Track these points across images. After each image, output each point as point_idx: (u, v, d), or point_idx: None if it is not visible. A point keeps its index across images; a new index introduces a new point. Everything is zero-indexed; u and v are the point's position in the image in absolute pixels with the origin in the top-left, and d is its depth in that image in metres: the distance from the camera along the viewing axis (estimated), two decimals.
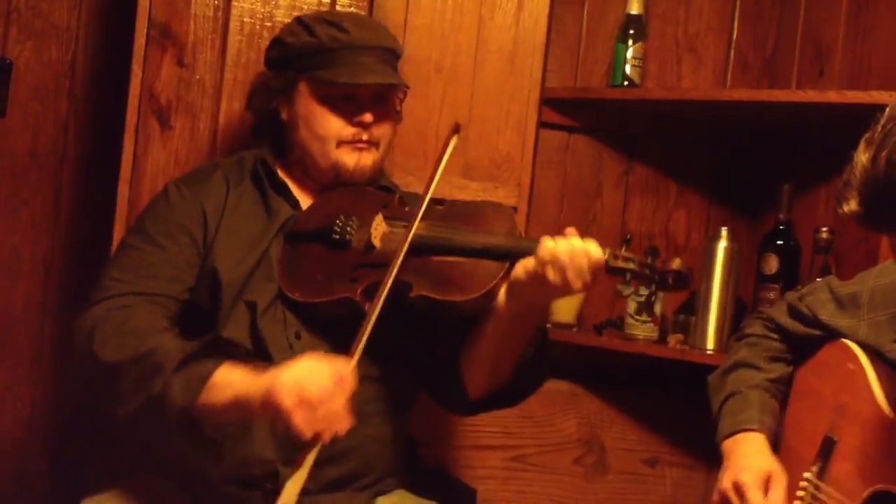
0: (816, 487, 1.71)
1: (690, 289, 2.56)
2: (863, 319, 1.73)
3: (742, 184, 2.67)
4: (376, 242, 1.78)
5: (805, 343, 1.83)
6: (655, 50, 2.63)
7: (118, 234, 2.08)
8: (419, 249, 1.73)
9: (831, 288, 1.81)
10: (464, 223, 1.78)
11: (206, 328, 1.76)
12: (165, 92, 2.14)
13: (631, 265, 1.67)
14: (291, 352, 1.74)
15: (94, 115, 2.48)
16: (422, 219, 1.76)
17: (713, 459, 2.54)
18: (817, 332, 1.80)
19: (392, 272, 1.68)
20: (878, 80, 2.31)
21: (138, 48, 2.12)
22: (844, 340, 1.75)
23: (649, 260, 1.69)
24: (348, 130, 1.86)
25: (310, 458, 1.56)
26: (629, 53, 2.52)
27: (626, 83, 2.52)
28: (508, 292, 1.71)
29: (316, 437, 1.55)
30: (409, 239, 1.72)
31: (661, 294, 2.39)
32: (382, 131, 1.89)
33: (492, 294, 1.70)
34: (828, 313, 1.78)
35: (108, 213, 2.14)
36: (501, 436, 2.49)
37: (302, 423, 1.53)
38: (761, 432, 1.77)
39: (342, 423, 1.56)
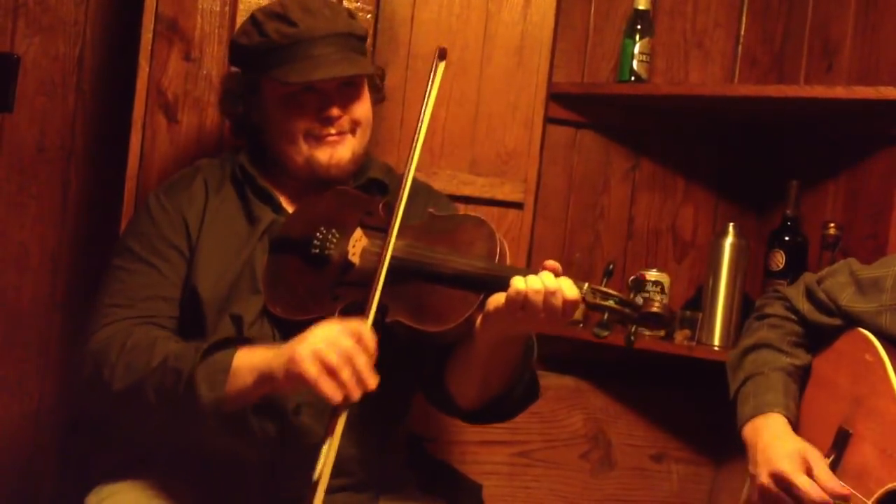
0: None
1: (691, 284, 2.59)
2: (885, 305, 1.71)
3: (749, 179, 2.66)
4: (355, 259, 1.73)
5: (821, 331, 1.81)
6: (663, 45, 2.62)
7: (124, 227, 2.08)
8: (396, 273, 1.68)
9: (852, 270, 1.78)
10: (444, 242, 1.72)
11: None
12: (172, 87, 2.14)
13: (610, 303, 1.59)
14: None
15: (101, 110, 2.48)
16: (401, 236, 1.70)
17: (720, 455, 2.56)
18: (836, 322, 1.78)
19: (373, 302, 1.63)
20: (886, 76, 2.30)
21: (145, 43, 2.12)
22: (863, 331, 1.74)
23: (632, 295, 1.59)
24: (315, 126, 1.79)
25: (341, 422, 1.56)
26: (636, 49, 2.51)
27: (633, 78, 2.52)
28: (483, 322, 1.66)
29: (346, 400, 1.54)
30: (384, 268, 1.66)
31: (663, 288, 2.38)
32: (355, 116, 1.82)
33: (466, 323, 1.66)
34: (847, 297, 1.76)
35: (115, 208, 2.14)
36: (507, 431, 2.49)
37: (329, 389, 1.53)
38: (785, 416, 1.73)
39: (369, 380, 1.54)
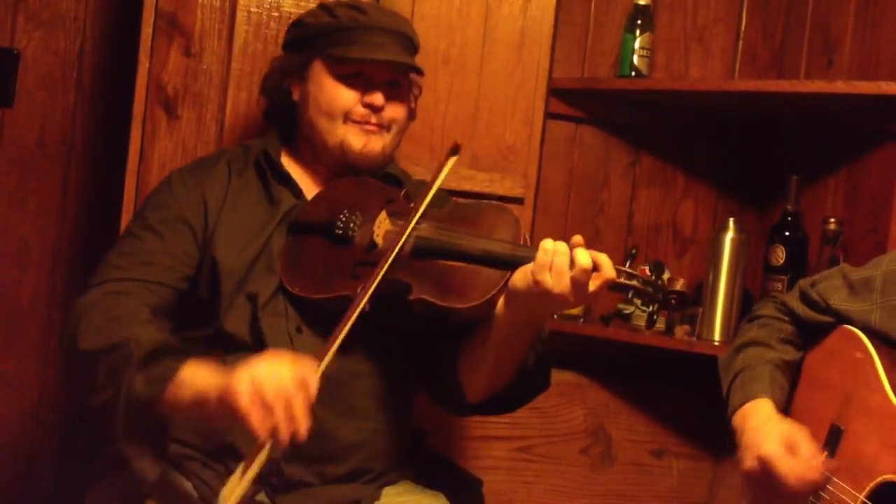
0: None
1: (691, 279, 2.59)
2: (875, 304, 1.72)
3: (750, 175, 2.66)
4: (379, 240, 1.76)
5: (814, 329, 1.82)
6: (663, 40, 2.62)
7: (125, 223, 2.08)
8: (421, 251, 1.71)
9: (844, 274, 1.80)
10: (467, 226, 1.75)
11: (209, 320, 1.76)
12: (172, 82, 2.14)
13: (634, 282, 1.63)
14: (291, 346, 1.73)
15: (101, 105, 2.49)
16: (425, 219, 1.74)
17: (720, 450, 2.56)
18: (828, 319, 1.80)
19: (380, 271, 1.65)
20: (886, 71, 2.30)
21: (145, 38, 2.12)
22: (851, 328, 1.75)
23: (653, 277, 1.64)
24: (358, 109, 1.84)
25: (259, 459, 1.49)
26: (637, 44, 2.51)
27: (633, 74, 2.52)
28: (507, 301, 1.67)
29: (274, 439, 1.48)
30: (401, 241, 1.69)
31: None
32: (394, 115, 1.87)
33: (491, 302, 1.67)
34: (839, 299, 1.77)
35: (115, 203, 2.14)
36: (508, 426, 2.49)
37: (257, 423, 1.47)
38: (769, 399, 1.75)
39: (301, 425, 1.48)
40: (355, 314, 1.62)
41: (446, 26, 2.31)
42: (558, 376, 2.51)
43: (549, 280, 1.58)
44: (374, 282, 1.65)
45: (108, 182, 2.29)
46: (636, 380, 2.59)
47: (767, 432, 1.69)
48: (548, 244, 1.60)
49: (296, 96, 1.90)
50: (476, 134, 2.32)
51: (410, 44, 1.91)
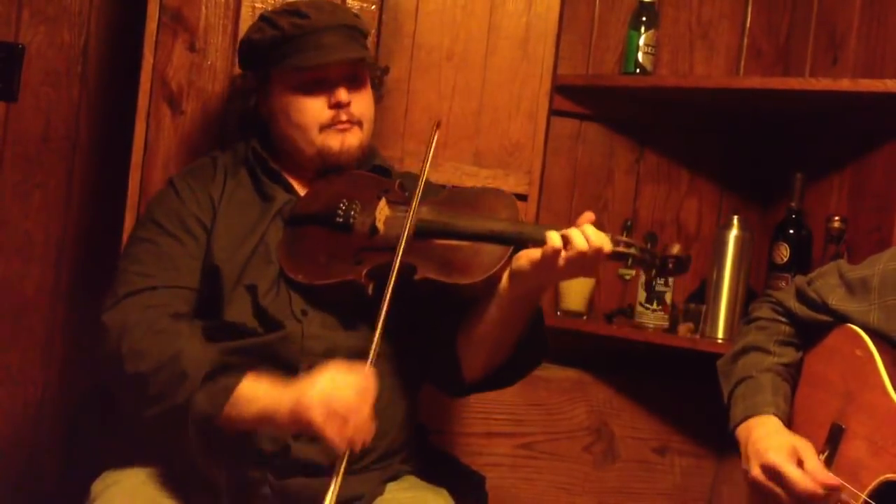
0: None
1: (695, 277, 2.59)
2: (873, 304, 1.73)
3: (754, 172, 2.66)
4: (380, 226, 1.80)
5: (813, 328, 1.83)
6: (668, 37, 2.62)
7: (129, 218, 2.09)
8: (423, 233, 1.76)
9: (841, 272, 1.80)
10: (467, 208, 1.80)
11: (211, 313, 1.78)
12: (177, 77, 2.15)
13: (632, 250, 1.69)
14: (301, 326, 1.76)
15: (106, 100, 2.49)
16: (425, 202, 1.79)
17: (722, 448, 2.56)
18: (826, 318, 1.80)
19: (398, 255, 1.70)
20: (892, 69, 2.30)
21: (150, 33, 2.12)
22: (852, 326, 1.75)
23: (648, 245, 1.71)
24: (326, 114, 1.87)
25: (341, 470, 1.59)
26: (641, 41, 2.51)
27: (638, 70, 2.51)
28: (510, 277, 1.72)
29: (350, 448, 1.59)
30: (409, 219, 1.73)
31: (667, 281, 2.41)
32: (361, 108, 1.90)
33: (495, 278, 1.72)
34: (837, 298, 1.78)
35: (119, 198, 2.15)
36: (511, 423, 2.49)
37: (335, 436, 1.58)
38: (776, 416, 1.76)
39: (369, 431, 1.61)
40: (388, 298, 1.66)
41: (450, 22, 2.30)
42: (561, 373, 2.53)
43: (558, 262, 1.65)
44: (394, 269, 1.69)
45: (113, 176, 2.29)
46: (639, 377, 2.59)
47: (772, 442, 1.69)
48: (554, 234, 1.65)
49: (263, 112, 1.92)
50: (480, 130, 2.32)
51: (358, 33, 1.93)
